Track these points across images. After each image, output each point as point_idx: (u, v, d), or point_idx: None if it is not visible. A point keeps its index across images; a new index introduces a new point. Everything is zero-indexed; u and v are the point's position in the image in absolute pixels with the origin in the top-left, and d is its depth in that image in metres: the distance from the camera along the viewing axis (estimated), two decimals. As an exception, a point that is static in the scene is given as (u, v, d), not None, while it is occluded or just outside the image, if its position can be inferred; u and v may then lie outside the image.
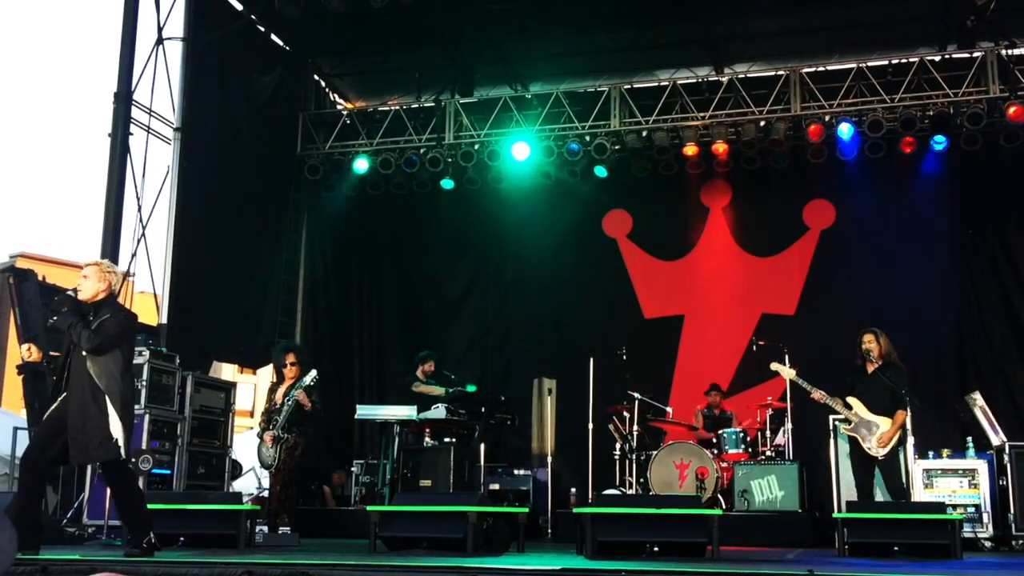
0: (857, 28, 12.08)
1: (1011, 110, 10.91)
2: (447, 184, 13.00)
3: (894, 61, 11.85)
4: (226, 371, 20.28)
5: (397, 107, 13.31)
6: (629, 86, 12.51)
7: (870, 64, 11.74)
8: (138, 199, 10.67)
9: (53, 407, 6.45)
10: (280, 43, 13.17)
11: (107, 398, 6.21)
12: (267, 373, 10.00)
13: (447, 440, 10.54)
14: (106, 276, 6.50)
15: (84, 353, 6.28)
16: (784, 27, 12.24)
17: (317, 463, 11.78)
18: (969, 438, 9.62)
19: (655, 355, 12.63)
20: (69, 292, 6.51)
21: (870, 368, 8.49)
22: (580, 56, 13.17)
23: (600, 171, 12.57)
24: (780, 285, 12.76)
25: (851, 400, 8.45)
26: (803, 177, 12.45)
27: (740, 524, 9.40)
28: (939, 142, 11.64)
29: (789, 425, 10.28)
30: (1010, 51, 11.37)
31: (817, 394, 8.57)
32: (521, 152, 12.22)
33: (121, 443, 6.22)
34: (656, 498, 8.65)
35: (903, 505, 8.03)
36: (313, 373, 8.78)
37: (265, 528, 8.53)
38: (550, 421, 11.36)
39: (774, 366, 9.20)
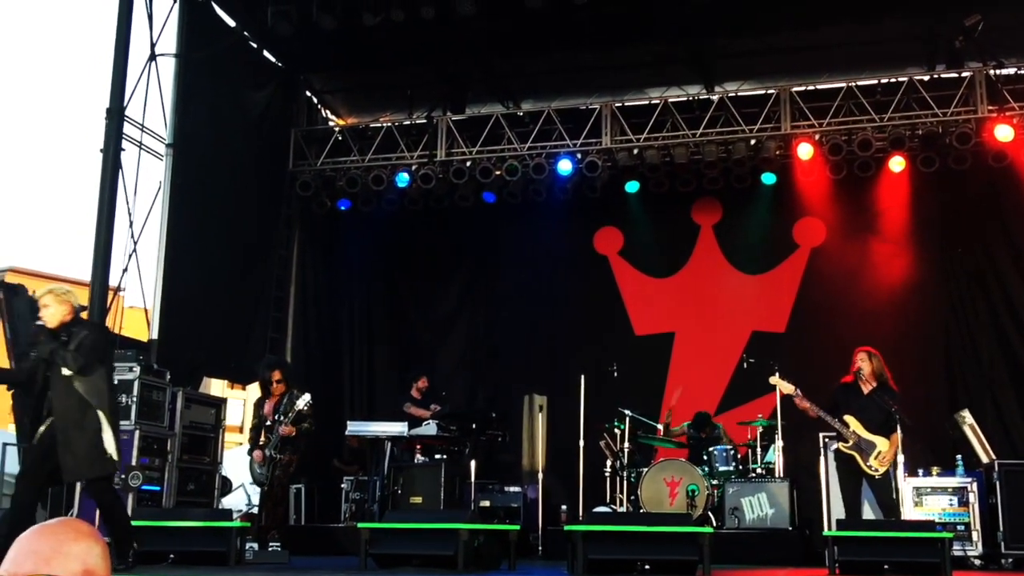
0: (846, 47, 12.16)
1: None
2: (439, 201, 13.01)
3: (883, 80, 11.93)
4: (215, 387, 20.23)
5: (389, 124, 13.31)
6: (620, 104, 12.55)
7: (859, 83, 11.82)
8: (129, 214, 10.64)
9: (40, 432, 6.40)
10: (272, 59, 13.19)
11: (99, 414, 6.20)
12: (257, 389, 9.98)
13: (438, 457, 10.55)
14: (64, 298, 6.48)
15: (69, 374, 6.25)
16: (774, 46, 12.30)
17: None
18: (959, 456, 9.62)
19: (646, 372, 12.63)
20: (39, 323, 6.50)
21: (865, 388, 8.48)
22: (571, 74, 13.23)
23: (591, 188, 12.60)
24: (770, 303, 12.79)
25: (848, 419, 8.44)
26: (793, 195, 12.49)
27: (730, 542, 9.39)
28: (929, 161, 11.69)
29: (780, 442, 10.29)
30: (998, 71, 11.47)
31: (813, 411, 8.50)
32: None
33: (116, 458, 6.23)
34: (647, 516, 8.66)
35: (893, 523, 8.03)
36: (307, 398, 8.70)
37: (255, 545, 8.48)
38: (541, 438, 11.32)
39: (773, 380, 9.15)
